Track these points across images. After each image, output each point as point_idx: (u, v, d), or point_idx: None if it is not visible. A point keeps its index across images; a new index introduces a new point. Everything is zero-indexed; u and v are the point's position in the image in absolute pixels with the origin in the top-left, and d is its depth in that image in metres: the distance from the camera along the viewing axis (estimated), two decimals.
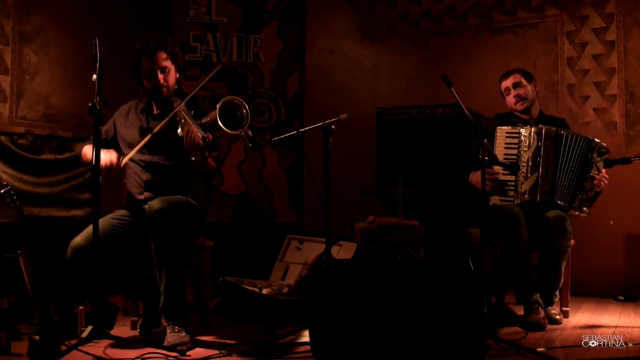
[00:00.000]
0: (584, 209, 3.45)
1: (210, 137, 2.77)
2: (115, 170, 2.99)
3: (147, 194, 3.09)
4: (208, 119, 2.87)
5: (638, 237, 4.49)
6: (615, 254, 4.53)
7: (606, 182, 3.43)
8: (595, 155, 3.44)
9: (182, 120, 2.89)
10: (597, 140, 3.46)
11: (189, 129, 2.81)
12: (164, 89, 3.11)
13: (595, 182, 3.40)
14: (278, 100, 5.21)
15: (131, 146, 3.10)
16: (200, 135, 2.75)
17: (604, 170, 3.44)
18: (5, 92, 4.15)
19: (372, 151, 4.64)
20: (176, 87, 3.19)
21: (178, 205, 2.86)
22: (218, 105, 2.79)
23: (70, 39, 4.53)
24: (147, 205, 3.00)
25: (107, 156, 2.96)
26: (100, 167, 2.82)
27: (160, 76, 3.09)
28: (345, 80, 5.37)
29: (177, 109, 2.93)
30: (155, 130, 2.96)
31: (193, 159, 2.84)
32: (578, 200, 3.43)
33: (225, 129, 2.78)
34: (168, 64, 3.11)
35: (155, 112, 3.18)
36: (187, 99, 3.01)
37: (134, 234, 3.04)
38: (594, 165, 3.43)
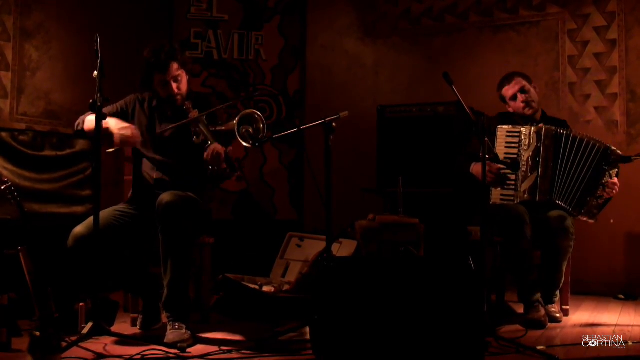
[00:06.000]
0: (593, 215, 3.43)
1: (231, 149, 2.81)
2: (132, 145, 3.01)
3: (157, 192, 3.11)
4: (224, 128, 2.88)
5: (638, 236, 4.49)
6: (615, 252, 4.53)
7: (617, 189, 3.39)
8: (610, 163, 3.39)
9: (197, 129, 2.92)
10: (613, 148, 3.41)
11: (212, 148, 2.82)
12: (178, 97, 3.12)
13: (607, 189, 3.37)
14: (279, 97, 5.21)
15: (142, 147, 3.15)
16: (222, 153, 2.79)
17: (615, 178, 3.41)
18: (6, 88, 4.15)
19: (373, 149, 4.64)
20: (188, 90, 3.20)
21: (188, 200, 2.91)
22: (237, 118, 2.80)
23: (72, 36, 4.53)
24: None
25: (128, 129, 2.95)
26: (115, 137, 2.88)
27: (174, 85, 3.09)
28: (346, 77, 5.37)
29: (191, 119, 2.96)
30: (167, 133, 3.03)
31: (210, 167, 2.85)
32: (587, 205, 3.40)
33: (242, 142, 2.79)
34: (180, 72, 3.11)
35: (168, 114, 3.18)
36: (204, 113, 3.01)
37: (136, 228, 3.05)
38: (607, 173, 3.39)
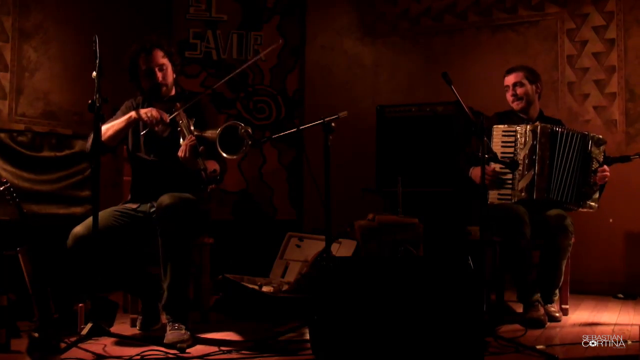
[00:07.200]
0: (592, 203, 3.48)
1: (202, 147, 2.81)
2: (158, 121, 2.97)
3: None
4: (208, 134, 2.87)
5: (638, 235, 4.49)
6: (614, 252, 4.53)
7: (608, 174, 3.45)
8: (593, 148, 3.47)
9: (179, 129, 2.92)
10: (591, 133, 3.50)
11: (182, 146, 2.85)
12: (163, 87, 3.14)
13: (598, 175, 3.43)
14: (278, 97, 5.21)
15: (135, 148, 3.14)
16: (188, 150, 2.82)
17: (604, 166, 3.46)
18: (4, 89, 4.14)
19: (372, 149, 4.64)
20: (174, 87, 3.20)
21: (187, 202, 2.90)
22: (219, 130, 2.78)
23: (70, 36, 4.52)
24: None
25: (152, 109, 2.98)
26: (142, 116, 2.94)
27: (159, 74, 3.12)
28: (345, 77, 5.37)
29: (176, 113, 2.96)
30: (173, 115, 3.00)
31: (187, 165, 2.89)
32: (584, 197, 3.45)
33: (223, 153, 2.78)
34: (165, 61, 3.14)
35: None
36: (187, 105, 3.01)
37: (135, 229, 3.04)
38: (594, 159, 3.45)
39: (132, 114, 3.01)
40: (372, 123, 4.65)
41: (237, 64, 5.11)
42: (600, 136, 3.52)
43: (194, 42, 5.06)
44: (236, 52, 5.13)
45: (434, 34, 5.19)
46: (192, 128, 2.92)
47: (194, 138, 2.84)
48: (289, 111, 5.21)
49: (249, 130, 2.83)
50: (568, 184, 3.43)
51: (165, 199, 2.88)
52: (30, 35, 4.30)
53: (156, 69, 3.11)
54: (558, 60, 4.77)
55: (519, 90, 3.63)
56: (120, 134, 3.04)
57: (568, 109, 4.71)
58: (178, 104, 3.04)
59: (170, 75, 3.17)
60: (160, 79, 3.12)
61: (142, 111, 2.97)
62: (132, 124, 3.04)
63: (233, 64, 5.12)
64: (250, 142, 2.84)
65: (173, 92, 3.22)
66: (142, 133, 3.06)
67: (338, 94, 5.25)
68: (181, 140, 2.92)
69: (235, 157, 2.84)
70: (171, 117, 2.98)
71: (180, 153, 2.86)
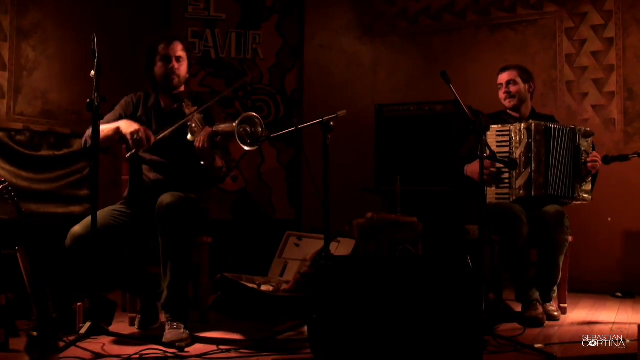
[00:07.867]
0: (586, 196, 3.51)
1: (219, 137, 2.84)
2: (144, 147, 2.89)
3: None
4: (221, 129, 2.87)
5: (636, 234, 4.49)
6: (613, 250, 4.54)
7: (598, 162, 3.48)
8: (582, 140, 3.51)
9: (194, 126, 2.91)
10: (578, 127, 3.54)
11: (202, 133, 2.87)
12: (175, 77, 3.15)
13: (589, 166, 3.46)
14: (277, 96, 5.21)
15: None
16: (206, 140, 2.83)
17: (594, 152, 3.50)
18: (3, 88, 4.14)
19: (371, 148, 4.64)
20: (185, 84, 3.21)
21: (188, 201, 2.90)
22: (238, 120, 2.80)
23: (69, 35, 4.52)
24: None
25: (141, 129, 2.88)
26: (128, 136, 2.86)
27: (175, 63, 3.14)
28: (344, 76, 5.37)
29: (190, 115, 2.95)
30: (167, 133, 2.96)
31: (202, 162, 2.90)
32: (578, 190, 3.48)
33: (241, 144, 2.80)
34: (183, 55, 3.18)
35: (165, 111, 3.19)
36: (202, 108, 3.03)
37: (134, 228, 3.04)
38: (584, 152, 3.50)
39: (122, 126, 2.92)
40: (370, 122, 4.65)
41: (236, 63, 5.13)
42: (588, 129, 3.56)
43: (192, 41, 5.06)
44: (235, 51, 5.13)
45: (433, 33, 5.19)
46: (202, 120, 2.94)
47: (211, 129, 2.85)
48: (287, 110, 5.21)
49: (248, 130, 2.83)
50: (563, 179, 3.46)
51: (166, 197, 2.88)
52: (28, 34, 4.29)
53: (173, 58, 3.14)
54: (557, 59, 4.77)
55: (512, 88, 3.65)
56: (109, 139, 2.99)
57: (567, 107, 4.71)
58: (186, 100, 3.06)
59: (185, 69, 3.20)
60: (175, 68, 3.14)
61: (131, 130, 2.86)
62: (119, 135, 2.95)
63: (232, 62, 5.12)
64: (249, 141, 2.85)
65: (182, 88, 3.22)
66: (126, 156, 2.99)
67: (337, 93, 5.25)
68: (189, 135, 2.92)
69: (252, 148, 2.85)
70: (157, 138, 2.92)
71: (198, 143, 2.87)
